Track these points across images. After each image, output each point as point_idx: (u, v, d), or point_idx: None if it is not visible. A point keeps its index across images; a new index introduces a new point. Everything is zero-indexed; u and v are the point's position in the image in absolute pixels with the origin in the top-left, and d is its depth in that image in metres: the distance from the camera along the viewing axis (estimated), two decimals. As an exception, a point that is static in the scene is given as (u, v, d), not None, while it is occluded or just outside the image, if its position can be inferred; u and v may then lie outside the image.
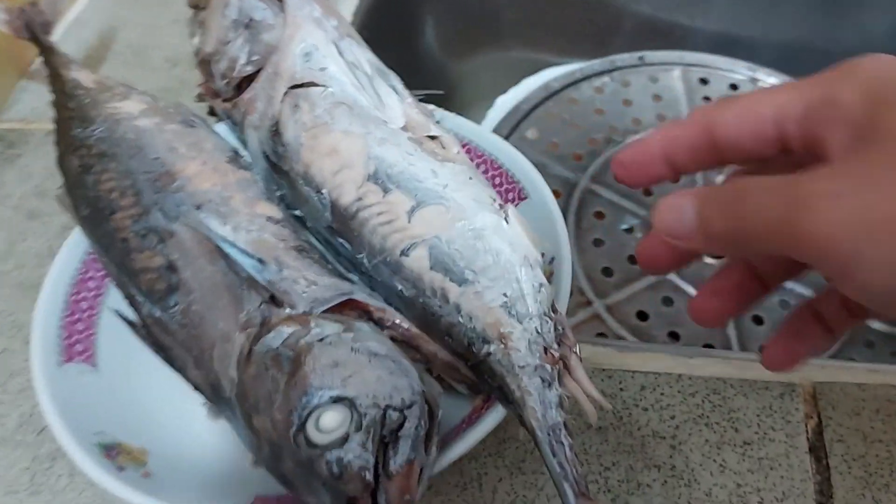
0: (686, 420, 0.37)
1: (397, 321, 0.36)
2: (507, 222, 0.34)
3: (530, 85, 0.77)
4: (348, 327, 0.33)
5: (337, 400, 0.30)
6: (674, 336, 0.60)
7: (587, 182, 0.69)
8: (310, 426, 0.29)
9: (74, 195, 0.40)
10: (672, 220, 0.25)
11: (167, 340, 0.36)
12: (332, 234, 0.38)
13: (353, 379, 0.30)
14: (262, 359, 0.32)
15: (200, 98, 0.47)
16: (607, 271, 0.64)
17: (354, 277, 0.38)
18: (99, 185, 0.39)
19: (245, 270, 0.35)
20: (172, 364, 0.36)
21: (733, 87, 0.77)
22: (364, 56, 0.41)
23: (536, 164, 0.42)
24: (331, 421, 0.29)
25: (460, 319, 0.34)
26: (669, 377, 0.39)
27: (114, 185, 0.39)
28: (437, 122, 0.40)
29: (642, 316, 0.61)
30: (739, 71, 0.78)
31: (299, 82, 0.39)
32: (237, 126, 0.43)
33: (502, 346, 0.32)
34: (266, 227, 0.37)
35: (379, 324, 0.36)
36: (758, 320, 0.61)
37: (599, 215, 0.67)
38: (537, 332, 0.32)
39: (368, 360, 0.31)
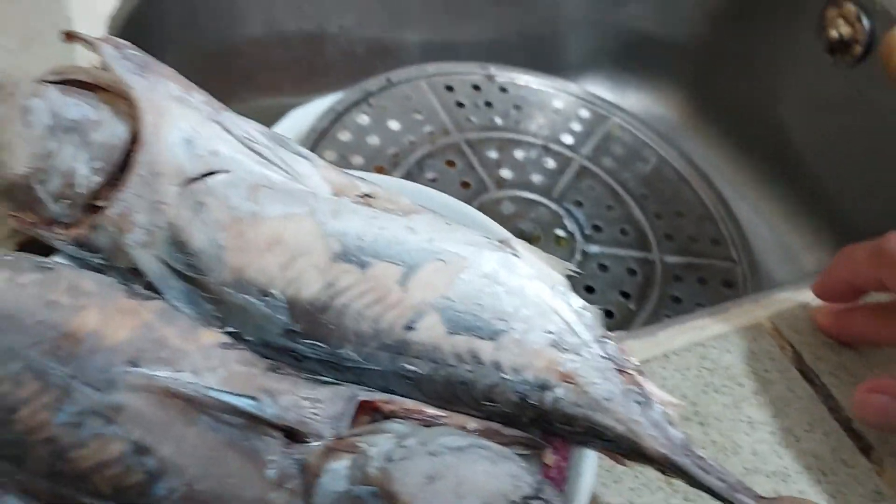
0: (696, 393, 0.37)
1: (411, 407, 0.31)
2: (517, 255, 0.32)
3: (287, 130, 0.73)
4: (395, 433, 0.28)
5: (466, 516, 0.25)
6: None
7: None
8: (462, 559, 0.24)
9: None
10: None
11: (167, 543, 0.27)
12: (292, 338, 0.32)
13: (465, 486, 0.26)
14: (337, 510, 0.26)
15: (16, 234, 0.36)
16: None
17: (330, 377, 0.32)
18: (-32, 383, 0.28)
19: (241, 414, 0.28)
20: (186, 568, 0.27)
21: (475, 87, 0.80)
22: (251, 127, 0.34)
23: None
24: (480, 542, 0.24)
25: (503, 376, 0.30)
26: (657, 361, 0.39)
27: (-4, 375, 0.28)
28: (361, 178, 0.35)
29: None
30: (474, 72, 0.81)
31: (193, 175, 0.32)
32: (96, 253, 0.34)
33: (571, 385, 0.30)
34: (228, 358, 0.30)
35: (391, 417, 0.31)
36: (608, 314, 0.65)
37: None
38: (603, 357, 0.30)
39: (457, 458, 0.27)
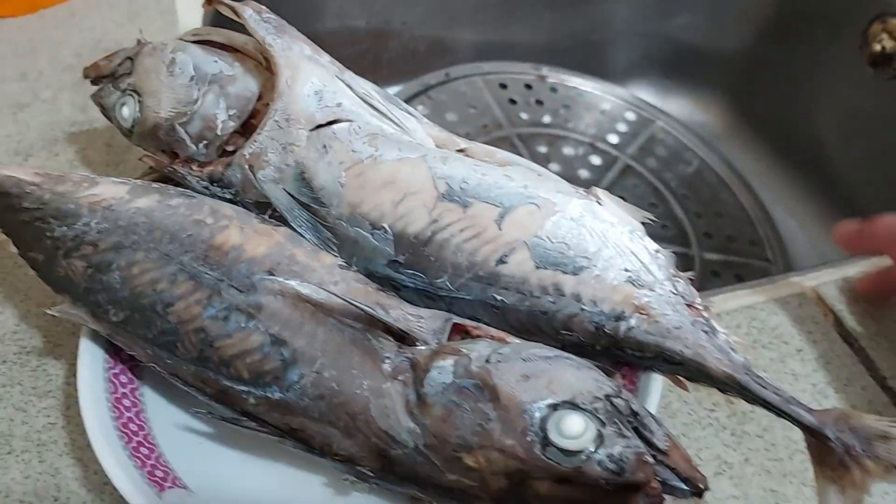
0: (747, 348, 0.42)
1: (494, 335, 0.36)
2: (600, 203, 0.36)
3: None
4: (492, 345, 0.33)
5: (557, 406, 0.29)
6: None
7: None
8: (556, 439, 0.28)
9: (90, 303, 0.33)
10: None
11: (296, 422, 0.31)
12: (395, 268, 0.37)
13: (555, 383, 0.30)
14: (442, 397, 0.30)
15: (151, 171, 0.41)
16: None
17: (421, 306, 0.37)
18: (133, 280, 0.33)
19: (363, 319, 0.32)
20: (310, 445, 0.32)
21: (527, 86, 0.85)
22: (369, 86, 0.39)
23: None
24: (573, 426, 0.29)
25: (583, 307, 0.35)
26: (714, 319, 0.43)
27: (155, 275, 0.33)
28: (458, 136, 0.40)
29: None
30: (527, 72, 0.86)
31: (321, 122, 0.37)
32: (228, 188, 0.39)
33: (644, 316, 0.34)
34: (346, 276, 0.35)
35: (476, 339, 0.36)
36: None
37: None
38: (674, 294, 0.34)
39: (548, 363, 0.31)
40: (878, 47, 0.66)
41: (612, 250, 0.35)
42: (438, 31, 0.85)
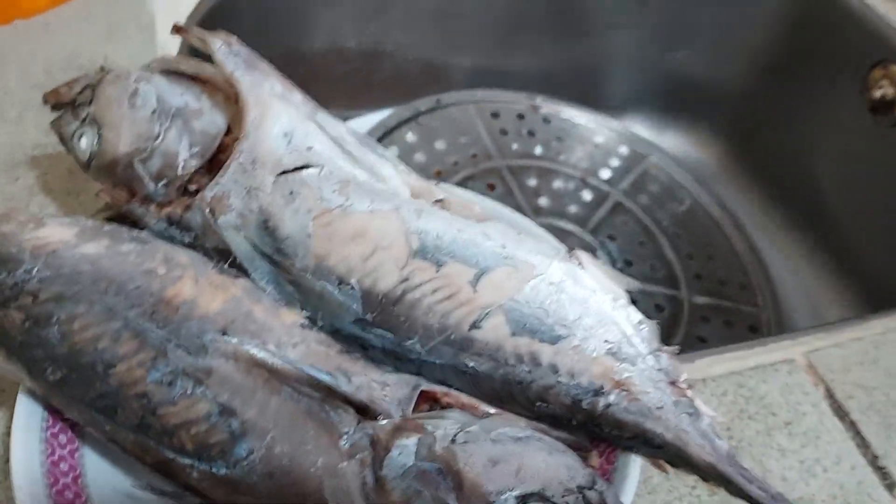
0: (732, 418, 0.39)
1: (465, 402, 0.33)
2: (582, 267, 0.34)
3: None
4: (459, 421, 0.30)
5: (525, 498, 0.27)
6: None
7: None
8: (520, 534, 0.26)
9: (26, 360, 0.31)
10: None
11: (242, 500, 0.29)
12: (362, 327, 0.34)
13: (525, 471, 0.28)
14: (403, 482, 0.28)
15: (107, 208, 0.39)
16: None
17: (389, 369, 0.35)
18: (73, 336, 0.30)
19: (320, 388, 0.30)
20: (257, 526, 0.29)
21: (520, 116, 0.83)
22: (343, 128, 0.37)
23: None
24: (539, 521, 0.26)
25: (560, 379, 0.32)
26: (695, 383, 0.41)
27: (97, 331, 0.30)
28: (437, 184, 0.38)
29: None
30: (520, 101, 0.84)
31: (289, 167, 0.34)
32: (187, 232, 0.36)
33: (624, 392, 0.32)
34: (307, 337, 0.32)
35: (447, 408, 0.33)
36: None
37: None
38: (657, 370, 0.32)
39: (517, 446, 0.29)
40: (878, 93, 0.65)
41: (592, 319, 0.33)
42: (433, 55, 0.83)
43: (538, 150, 0.79)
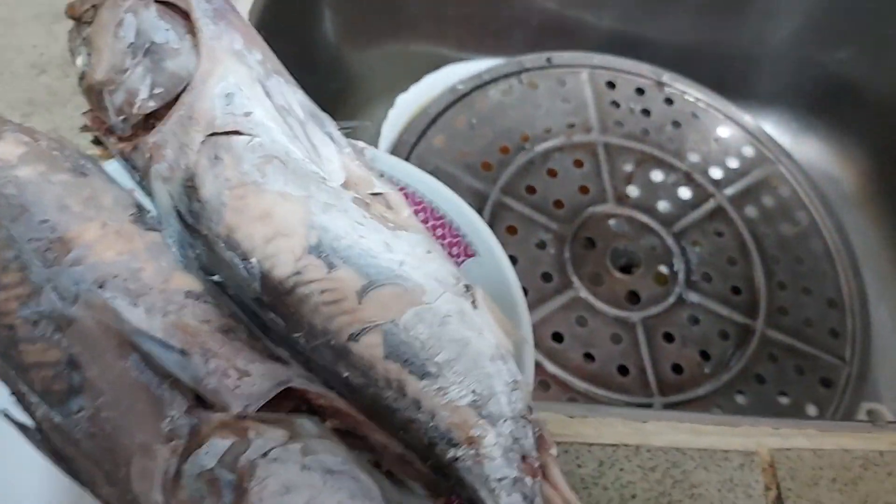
0: (648, 499, 0.35)
1: (341, 408, 0.32)
2: (475, 307, 0.31)
3: (433, 84, 0.73)
4: (293, 434, 0.29)
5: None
6: (589, 357, 0.59)
7: (498, 194, 0.66)
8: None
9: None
10: None
11: (70, 450, 0.30)
12: (260, 307, 0.33)
13: (311, 507, 0.26)
14: (196, 483, 0.27)
15: (86, 129, 0.40)
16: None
17: (284, 353, 0.34)
18: (-30, 254, 0.32)
19: (165, 367, 0.30)
20: (77, 477, 0.30)
21: (639, 90, 0.76)
22: (294, 97, 0.35)
23: (446, 176, 0.38)
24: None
25: (419, 416, 0.30)
26: (627, 449, 0.37)
27: (-8, 256, 0.32)
28: (381, 176, 0.35)
29: (557, 338, 0.59)
30: (645, 74, 0.76)
31: (220, 130, 0.34)
32: (136, 171, 0.37)
33: (472, 451, 0.29)
34: (186, 307, 0.32)
35: (319, 412, 0.32)
36: (676, 369, 0.61)
37: (511, 230, 0.65)
38: (514, 439, 0.29)
39: (324, 480, 0.27)
40: None
41: (466, 364, 0.30)
42: (558, 7, 0.77)
43: (647, 133, 0.72)
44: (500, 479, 0.28)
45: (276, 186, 0.33)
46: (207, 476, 0.27)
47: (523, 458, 0.29)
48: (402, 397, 0.30)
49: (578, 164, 0.70)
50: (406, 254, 0.32)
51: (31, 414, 0.31)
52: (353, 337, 0.31)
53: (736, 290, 0.66)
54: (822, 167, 0.74)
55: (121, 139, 0.37)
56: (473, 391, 0.30)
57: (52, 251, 0.32)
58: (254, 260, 0.33)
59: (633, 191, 0.70)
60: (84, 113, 0.39)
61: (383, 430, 0.32)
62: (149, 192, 0.36)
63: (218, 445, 0.28)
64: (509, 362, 0.30)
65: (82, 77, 0.39)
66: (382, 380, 0.31)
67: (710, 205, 0.70)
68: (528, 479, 0.28)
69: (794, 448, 0.37)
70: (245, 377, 0.31)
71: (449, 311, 0.30)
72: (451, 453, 0.29)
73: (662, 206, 0.69)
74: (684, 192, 0.70)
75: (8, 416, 0.32)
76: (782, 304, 0.66)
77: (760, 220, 0.70)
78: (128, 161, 0.37)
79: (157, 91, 0.37)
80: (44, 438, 0.31)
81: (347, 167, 0.35)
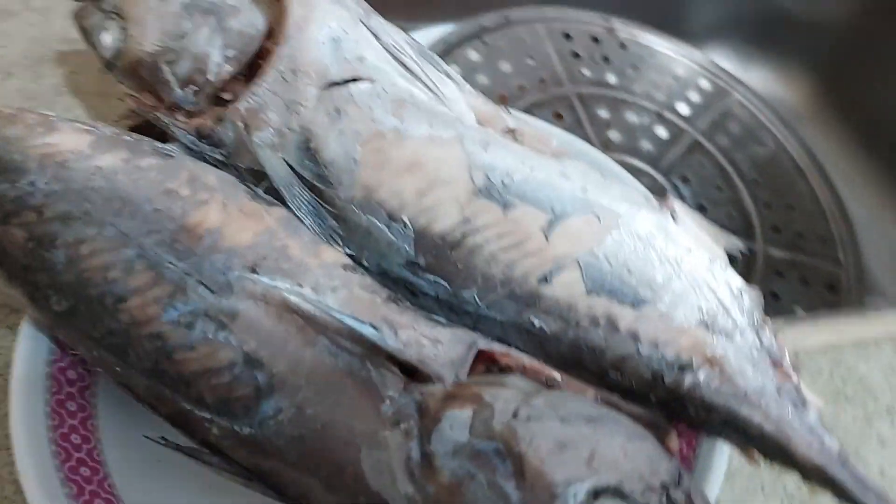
0: (829, 400, 0.34)
1: (529, 365, 0.29)
2: (675, 220, 0.28)
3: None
4: (520, 390, 0.26)
5: (599, 493, 0.22)
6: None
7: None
8: (592, 540, 0.22)
9: (28, 284, 0.27)
10: None
11: (269, 464, 0.25)
12: (413, 271, 0.30)
13: (599, 460, 0.23)
14: (454, 461, 0.24)
15: (132, 116, 0.34)
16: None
17: (442, 319, 0.30)
18: (80, 262, 0.26)
19: (363, 343, 0.25)
20: (284, 494, 0.25)
21: (594, 39, 0.76)
22: (400, 36, 0.32)
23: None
24: (615, 523, 0.22)
25: (640, 349, 0.28)
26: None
27: (108, 259, 0.26)
28: (507, 111, 0.32)
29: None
30: (596, 23, 0.76)
31: (336, 79, 0.29)
32: (218, 148, 0.32)
33: (715, 370, 0.27)
34: (350, 280, 0.28)
35: (506, 371, 0.29)
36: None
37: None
38: (758, 347, 0.27)
39: (591, 428, 0.24)
40: None
41: (684, 282, 0.28)
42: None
43: (612, 79, 0.72)
44: (758, 393, 0.26)
45: (422, 130, 0.29)
46: (467, 451, 0.24)
47: (774, 364, 0.27)
48: (613, 333, 0.28)
49: (558, 116, 0.69)
50: (584, 180, 0.29)
51: (203, 433, 0.26)
52: (545, 278, 0.28)
53: (730, 216, 0.67)
54: (773, 90, 0.77)
55: (192, 114, 0.32)
56: (699, 308, 0.27)
57: (181, 241, 0.27)
58: (405, 218, 0.29)
59: (614, 136, 0.69)
60: (125, 95, 0.34)
61: (581, 378, 0.29)
62: (240, 170, 0.31)
63: (460, 417, 0.24)
64: (728, 270, 0.28)
65: (115, 56, 0.33)
66: (587, 318, 0.28)
67: (686, 140, 0.71)
68: (789, 385, 0.26)
69: (933, 325, 0.37)
70: (438, 344, 0.27)
71: (651, 230, 0.28)
72: (688, 379, 0.27)
73: (645, 146, 0.69)
74: (661, 131, 0.71)
75: (169, 442, 0.26)
76: (773, 223, 0.68)
77: (733, 147, 0.72)
78: (206, 139, 0.32)
79: (229, 53, 0.32)
80: (225, 459, 0.26)
81: (473, 105, 0.31)
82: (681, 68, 0.75)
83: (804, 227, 0.69)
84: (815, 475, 0.25)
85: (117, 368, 0.26)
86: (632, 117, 0.71)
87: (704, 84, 0.74)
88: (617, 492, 0.22)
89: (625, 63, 0.74)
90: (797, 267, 0.66)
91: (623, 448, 0.24)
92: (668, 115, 0.72)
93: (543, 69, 0.71)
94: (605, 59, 0.73)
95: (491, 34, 0.72)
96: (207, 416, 0.25)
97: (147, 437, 0.27)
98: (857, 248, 0.68)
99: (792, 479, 0.32)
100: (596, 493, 0.22)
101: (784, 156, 0.73)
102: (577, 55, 0.74)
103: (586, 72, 0.72)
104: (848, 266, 0.68)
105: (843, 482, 0.25)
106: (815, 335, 0.36)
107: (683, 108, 0.72)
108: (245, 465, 0.25)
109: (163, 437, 0.26)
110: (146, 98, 0.33)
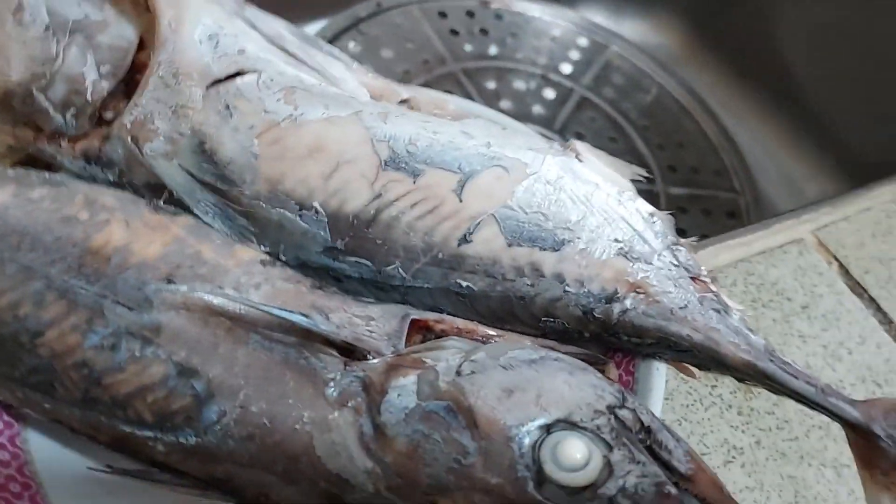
0: (747, 308, 0.36)
1: (463, 327, 0.29)
2: (580, 160, 0.29)
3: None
4: (458, 349, 0.26)
5: (551, 427, 0.23)
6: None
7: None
8: (553, 472, 0.22)
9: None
10: None
11: (222, 469, 0.25)
12: (333, 256, 0.29)
13: (546, 397, 0.24)
14: (406, 426, 0.24)
15: (10, 152, 0.33)
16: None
17: (371, 301, 0.30)
18: (-14, 305, 0.25)
19: (296, 331, 0.25)
20: (241, 497, 0.25)
21: (469, 13, 0.77)
22: (279, 24, 0.31)
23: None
24: (573, 453, 0.22)
25: (567, 289, 0.28)
26: (703, 277, 0.37)
27: (14, 297, 0.25)
28: (400, 84, 0.32)
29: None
30: (466, -2, 0.77)
31: (220, 76, 0.29)
32: (109, 169, 0.31)
33: (640, 295, 0.28)
34: (271, 275, 0.27)
35: (442, 336, 0.29)
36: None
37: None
38: (675, 265, 0.28)
39: (534, 370, 0.25)
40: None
41: (598, 217, 0.28)
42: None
43: (493, 50, 0.73)
44: (683, 307, 0.27)
45: (317, 113, 0.29)
46: (417, 414, 0.24)
47: (693, 279, 0.28)
48: (539, 279, 0.28)
49: (448, 94, 0.69)
50: (486, 135, 0.29)
51: (149, 453, 0.25)
52: (465, 238, 0.28)
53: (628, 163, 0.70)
54: (647, 38, 0.80)
55: (76, 139, 0.31)
56: (616, 239, 0.28)
57: (88, 266, 0.26)
58: (316, 204, 0.29)
59: (505, 104, 0.71)
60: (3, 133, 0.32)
61: (514, 330, 0.30)
62: (135, 187, 0.30)
63: (405, 384, 0.24)
64: (637, 199, 0.29)
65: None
66: (511, 270, 0.28)
67: (574, 97, 0.73)
68: (710, 295, 0.28)
69: (829, 223, 0.40)
70: (370, 321, 0.27)
71: (558, 173, 0.29)
72: (617, 309, 0.28)
73: (537, 110, 0.71)
74: (549, 93, 0.73)
75: (116, 469, 0.25)
76: (669, 163, 0.71)
77: (619, 97, 0.74)
78: (96, 161, 0.31)
79: (104, 70, 0.31)
80: (178, 474, 0.25)
81: (364, 82, 0.31)
82: (557, 30, 0.76)
83: (697, 163, 0.72)
84: (746, 372, 0.27)
85: (46, 405, 0.25)
86: (519, 84, 0.72)
87: (582, 42, 0.76)
88: (567, 422, 0.23)
89: (503, 33, 0.75)
90: (697, 200, 0.69)
91: (566, 383, 0.24)
92: (553, 76, 0.73)
93: (425, 51, 0.72)
94: (484, 32, 0.75)
95: (366, 23, 0.72)
96: (150, 434, 0.25)
97: (91, 469, 0.26)
98: (749, 173, 0.72)
99: (727, 388, 0.34)
100: (548, 428, 0.23)
101: (668, 99, 0.76)
102: (455, 32, 0.74)
103: (468, 47, 0.73)
104: (744, 191, 0.71)
105: (772, 373, 0.26)
106: (724, 253, 0.38)
107: (566, 68, 0.74)
108: (198, 475, 0.25)
109: (108, 466, 0.25)
110: (22, 132, 0.32)
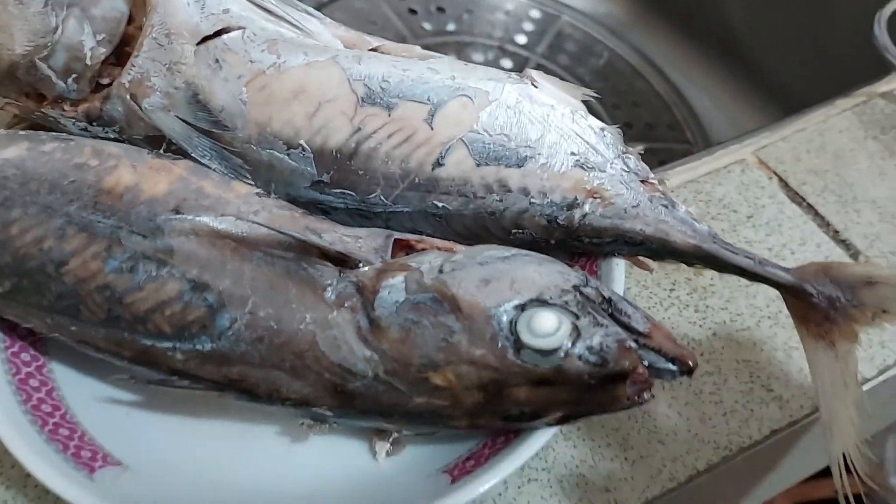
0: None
1: (440, 245, 0.32)
2: (536, 86, 0.33)
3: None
4: (440, 255, 0.30)
5: (524, 306, 0.26)
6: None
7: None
8: (529, 339, 0.26)
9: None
10: None
11: (236, 371, 0.28)
12: (320, 189, 0.33)
13: (519, 283, 0.27)
14: (398, 317, 0.27)
15: (16, 121, 0.35)
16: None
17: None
18: (13, 242, 0.28)
19: (294, 248, 0.28)
20: (255, 394, 0.28)
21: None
22: (255, -14, 0.34)
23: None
24: (545, 323, 0.26)
25: (532, 201, 0.32)
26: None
27: (39, 233, 0.28)
28: (370, 35, 0.36)
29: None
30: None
31: (208, 33, 0.32)
32: (111, 127, 0.33)
33: (598, 200, 0.31)
34: (267, 204, 0.30)
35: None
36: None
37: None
38: (626, 171, 0.32)
39: (508, 264, 0.28)
40: None
41: (555, 135, 0.32)
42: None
43: (451, 26, 0.77)
44: (635, 206, 0.31)
45: (298, 60, 0.32)
46: (407, 306, 0.27)
47: (643, 181, 0.32)
48: (507, 194, 0.32)
49: (412, 70, 0.73)
50: (451, 70, 0.33)
51: (168, 362, 0.28)
52: (438, 162, 0.32)
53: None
54: (595, 6, 0.84)
55: (76, 103, 0.34)
56: (572, 153, 0.32)
57: (102, 202, 0.29)
58: (302, 142, 0.32)
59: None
60: (5, 106, 0.35)
61: (489, 243, 0.33)
62: (135, 142, 0.33)
63: (395, 283, 0.28)
64: (588, 117, 0.33)
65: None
66: (482, 188, 0.32)
67: (531, 66, 0.76)
68: (658, 193, 0.31)
69: (768, 144, 0.44)
70: (359, 240, 0.30)
71: (517, 98, 0.32)
72: (577, 214, 0.31)
73: (496, 79, 0.74)
74: (506, 63, 0.76)
75: (136, 378, 0.28)
76: (625, 121, 0.75)
77: (574, 63, 0.78)
78: (97, 121, 0.33)
79: (100, 37, 0.34)
80: (196, 378, 0.28)
81: (337, 34, 0.35)
82: (510, 3, 0.80)
83: (652, 119, 0.76)
84: (694, 255, 0.30)
85: (73, 328, 0.28)
86: (478, 57, 0.76)
87: (534, 13, 0.80)
88: (539, 301, 0.26)
89: (459, 9, 0.79)
90: (654, 153, 0.73)
91: (536, 271, 0.28)
92: (509, 47, 0.77)
93: (387, 31, 0.75)
94: (441, 10, 0.78)
95: (327, 9, 0.76)
96: (169, 344, 0.28)
97: (118, 378, 0.29)
98: (700, 124, 0.76)
99: (684, 291, 0.38)
100: (522, 307, 0.26)
101: (620, 62, 0.80)
102: (413, 11, 0.78)
103: (427, 25, 0.77)
104: (696, 142, 0.75)
105: (716, 252, 0.30)
106: (675, 177, 0.42)
107: (521, 38, 0.78)
108: (214, 378, 0.28)
109: (130, 377, 0.28)
110: (26, 101, 0.35)
